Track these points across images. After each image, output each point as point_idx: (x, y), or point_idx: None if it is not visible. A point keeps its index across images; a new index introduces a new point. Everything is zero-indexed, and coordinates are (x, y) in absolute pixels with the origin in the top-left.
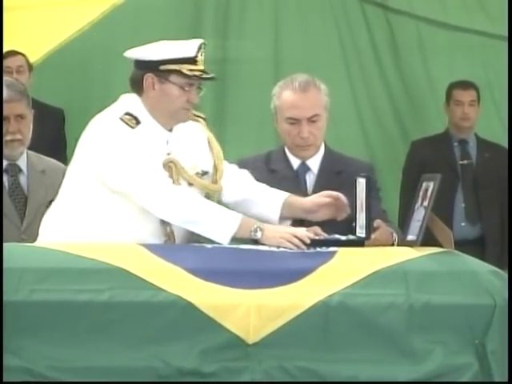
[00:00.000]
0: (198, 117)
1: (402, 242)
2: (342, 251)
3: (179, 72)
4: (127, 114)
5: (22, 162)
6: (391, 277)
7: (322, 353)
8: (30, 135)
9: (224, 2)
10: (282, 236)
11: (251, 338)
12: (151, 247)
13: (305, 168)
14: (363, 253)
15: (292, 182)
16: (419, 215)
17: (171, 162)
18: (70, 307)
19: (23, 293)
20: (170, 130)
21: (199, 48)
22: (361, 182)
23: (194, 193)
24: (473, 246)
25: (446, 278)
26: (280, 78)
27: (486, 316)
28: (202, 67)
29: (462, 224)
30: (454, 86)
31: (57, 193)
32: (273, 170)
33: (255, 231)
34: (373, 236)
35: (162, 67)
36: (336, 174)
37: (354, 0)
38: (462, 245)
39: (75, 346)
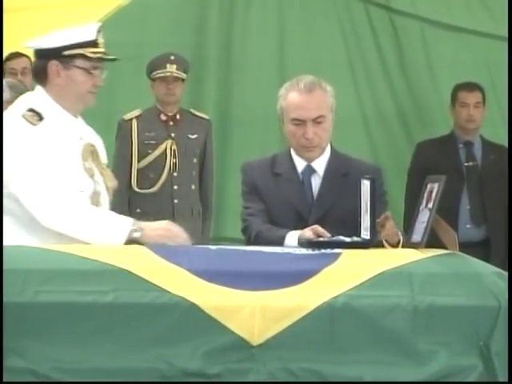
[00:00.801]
0: (202, 118)
1: (407, 244)
2: (346, 253)
3: (83, 55)
4: (30, 110)
5: None
6: (396, 278)
7: (327, 354)
8: None
9: (228, 2)
10: (161, 234)
11: (255, 339)
12: (155, 248)
13: (310, 170)
14: (368, 254)
15: (297, 184)
16: (424, 217)
17: (92, 146)
18: (74, 308)
19: (28, 294)
20: (76, 117)
21: (98, 31)
22: (365, 184)
23: (83, 201)
24: (478, 248)
25: (450, 280)
26: (284, 77)
27: (491, 317)
28: (103, 49)
29: (467, 226)
30: (459, 88)
31: None
32: (277, 174)
33: (134, 231)
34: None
35: (66, 52)
36: (342, 177)
37: (357, 1)
38: (467, 247)
39: (80, 347)
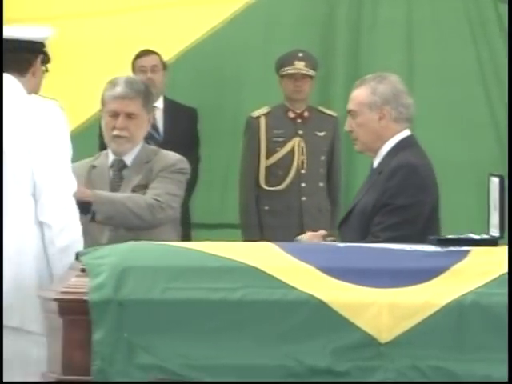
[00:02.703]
0: (330, 115)
1: None
2: (475, 250)
3: (46, 54)
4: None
5: (128, 158)
6: None
7: (456, 352)
8: (142, 135)
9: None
10: None
11: (384, 337)
12: (284, 246)
13: (372, 168)
14: (497, 252)
15: None
16: None
17: None
18: (203, 305)
19: (157, 291)
20: None
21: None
22: (494, 181)
23: None
24: None
25: None
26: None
27: None
28: None
29: None
30: None
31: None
32: None
33: None
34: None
35: (45, 49)
36: (378, 175)
37: (491, 9)
38: None
39: (208, 344)
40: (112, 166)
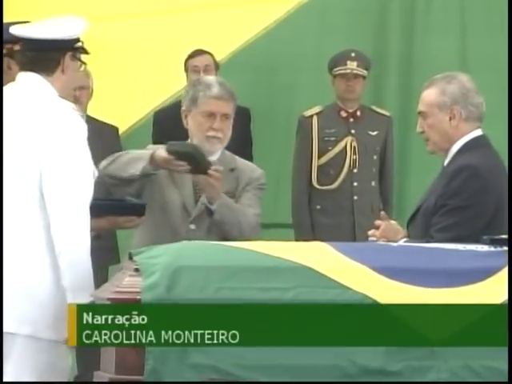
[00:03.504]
0: (382, 115)
1: None
2: None
3: (83, 49)
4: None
5: (213, 159)
6: None
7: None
8: (229, 136)
9: (409, 2)
10: None
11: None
12: (337, 245)
13: (442, 167)
14: None
15: None
16: None
17: None
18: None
19: (209, 291)
20: None
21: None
22: None
23: None
24: None
25: None
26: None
27: None
28: None
29: None
30: None
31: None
32: None
33: None
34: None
35: (77, 45)
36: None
37: None
38: None
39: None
40: None
